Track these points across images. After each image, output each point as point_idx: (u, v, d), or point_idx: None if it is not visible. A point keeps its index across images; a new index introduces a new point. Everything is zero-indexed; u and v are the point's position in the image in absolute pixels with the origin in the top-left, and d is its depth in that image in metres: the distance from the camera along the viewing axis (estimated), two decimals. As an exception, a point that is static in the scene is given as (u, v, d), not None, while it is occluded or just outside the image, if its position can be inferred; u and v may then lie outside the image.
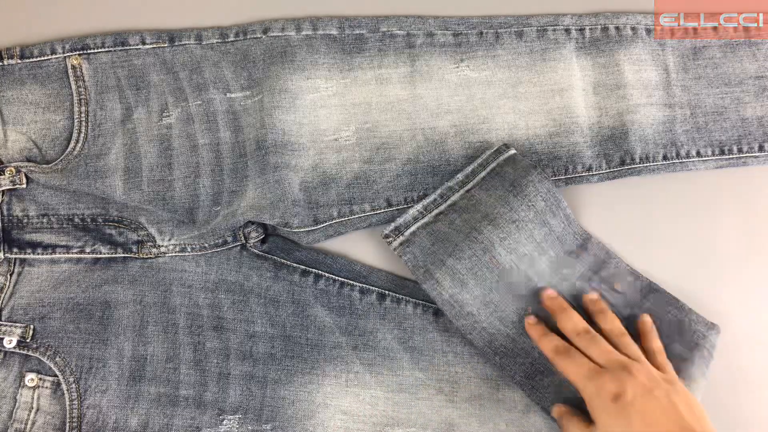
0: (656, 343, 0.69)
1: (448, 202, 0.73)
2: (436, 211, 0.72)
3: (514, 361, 0.71)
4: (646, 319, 0.71)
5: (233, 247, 0.76)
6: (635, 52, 0.78)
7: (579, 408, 0.67)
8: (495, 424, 0.72)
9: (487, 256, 0.70)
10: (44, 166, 0.74)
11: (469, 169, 0.74)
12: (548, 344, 0.67)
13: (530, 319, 0.70)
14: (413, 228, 0.72)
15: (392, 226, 0.72)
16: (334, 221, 0.75)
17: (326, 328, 0.74)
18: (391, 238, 0.72)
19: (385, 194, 0.75)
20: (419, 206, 0.72)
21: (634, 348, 0.66)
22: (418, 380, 0.73)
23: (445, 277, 0.70)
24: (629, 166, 0.76)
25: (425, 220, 0.72)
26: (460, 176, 0.74)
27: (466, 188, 0.73)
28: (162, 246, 0.75)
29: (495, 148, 0.74)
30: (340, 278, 0.76)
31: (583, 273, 0.74)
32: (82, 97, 0.75)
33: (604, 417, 0.59)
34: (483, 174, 0.73)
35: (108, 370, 0.72)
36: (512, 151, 0.74)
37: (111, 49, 0.76)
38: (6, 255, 0.74)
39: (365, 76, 0.76)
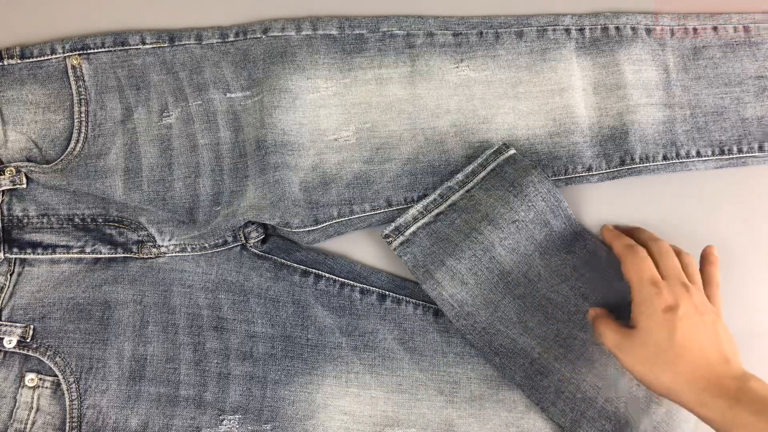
0: (715, 275, 0.70)
1: (448, 202, 0.73)
2: (436, 211, 0.72)
3: (513, 362, 0.71)
4: (712, 250, 0.72)
5: (233, 247, 0.76)
6: (635, 52, 0.78)
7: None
8: (495, 424, 0.72)
9: (487, 256, 0.70)
10: (44, 166, 0.74)
11: (469, 168, 0.74)
12: (621, 242, 0.68)
13: (609, 226, 0.73)
14: (413, 228, 0.72)
15: (392, 226, 0.72)
16: (334, 221, 0.75)
17: (326, 328, 0.74)
18: (391, 238, 0.72)
19: (385, 194, 0.75)
20: (419, 206, 0.72)
21: (697, 275, 0.68)
22: (418, 381, 0.73)
23: (444, 278, 0.70)
24: (629, 166, 0.76)
25: (425, 220, 0.72)
26: (460, 176, 0.73)
27: (466, 188, 0.73)
28: (162, 246, 0.75)
29: (495, 148, 0.74)
30: (340, 279, 0.76)
31: (584, 273, 0.74)
32: (82, 97, 0.75)
33: (649, 323, 0.61)
34: (483, 174, 0.73)
35: (108, 370, 0.72)
36: (512, 151, 0.73)
37: (111, 49, 0.76)
38: (6, 255, 0.74)
39: (365, 76, 0.76)
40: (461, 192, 0.73)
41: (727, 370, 0.59)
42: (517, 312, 0.71)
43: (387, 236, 0.72)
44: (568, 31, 0.78)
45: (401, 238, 0.72)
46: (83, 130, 0.75)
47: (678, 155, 0.77)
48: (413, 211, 0.72)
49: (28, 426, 0.71)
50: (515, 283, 0.71)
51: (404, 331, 0.75)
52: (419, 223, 0.72)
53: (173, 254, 0.75)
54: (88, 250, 0.75)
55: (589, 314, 0.68)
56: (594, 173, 0.76)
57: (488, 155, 0.74)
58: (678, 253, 0.69)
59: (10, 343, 0.72)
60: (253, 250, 0.76)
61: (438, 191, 0.73)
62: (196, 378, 0.73)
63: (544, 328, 0.71)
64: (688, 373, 0.59)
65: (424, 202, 0.73)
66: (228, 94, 0.76)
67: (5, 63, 0.75)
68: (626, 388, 0.71)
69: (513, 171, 0.72)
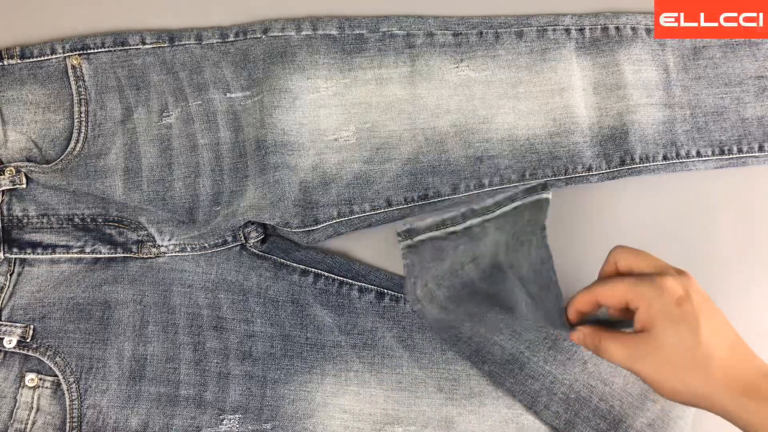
0: None
1: (465, 224, 0.65)
2: (451, 229, 0.67)
3: (503, 368, 0.71)
4: None
5: (233, 247, 0.76)
6: (635, 52, 0.78)
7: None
8: (494, 421, 0.72)
9: (467, 290, 0.66)
10: (44, 166, 0.74)
11: (499, 197, 0.65)
12: (581, 295, 0.57)
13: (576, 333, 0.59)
14: (424, 237, 0.67)
15: (408, 225, 0.67)
16: (334, 221, 0.75)
17: (325, 327, 0.74)
18: (401, 237, 0.67)
19: (385, 194, 0.75)
20: (438, 218, 0.66)
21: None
22: (418, 378, 0.73)
23: (426, 297, 0.68)
24: (629, 166, 0.76)
25: (438, 233, 0.67)
26: (489, 201, 0.65)
27: (486, 217, 0.65)
28: (162, 246, 0.75)
29: (531, 185, 0.64)
30: (339, 277, 0.76)
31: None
32: (82, 97, 0.75)
33: (665, 324, 0.51)
34: (506, 209, 0.65)
35: (108, 370, 0.72)
36: (545, 195, 0.63)
37: (111, 49, 0.76)
38: (6, 255, 0.74)
39: (365, 76, 0.76)
40: (480, 219, 0.65)
41: (761, 367, 0.53)
42: (504, 320, 0.71)
43: (399, 234, 0.67)
44: (568, 31, 0.78)
45: (409, 242, 0.68)
46: (83, 130, 0.75)
47: (678, 155, 0.77)
48: (430, 221, 0.66)
49: (29, 426, 0.71)
50: (501, 300, 0.69)
51: (403, 329, 0.75)
52: (431, 234, 0.67)
53: (173, 254, 0.76)
54: (88, 250, 0.75)
55: (574, 336, 0.58)
56: (594, 173, 0.76)
57: (521, 191, 0.64)
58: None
59: (10, 343, 0.72)
60: (252, 249, 0.76)
61: (462, 209, 0.65)
62: (196, 378, 0.73)
63: (533, 332, 0.71)
64: (723, 375, 0.51)
65: (445, 215, 0.66)
66: (228, 94, 0.76)
67: (5, 63, 0.75)
68: (621, 385, 0.71)
69: (527, 221, 0.64)
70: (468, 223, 0.66)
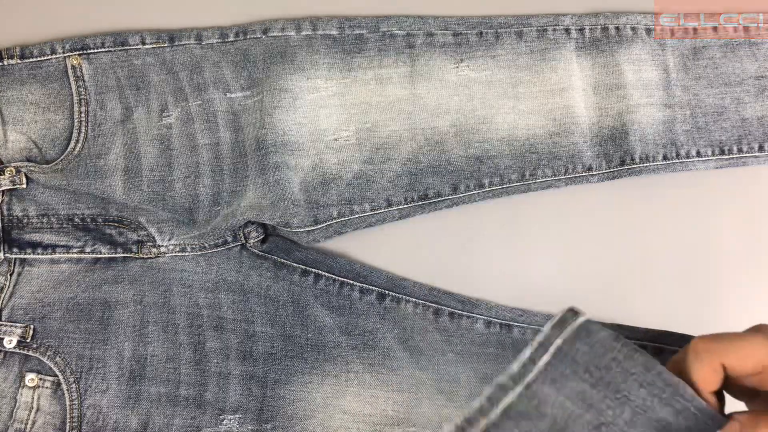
0: None
1: (501, 406, 0.46)
2: (483, 424, 0.46)
3: None
4: None
5: (233, 247, 0.76)
6: (635, 52, 0.78)
7: None
8: (495, 423, 0.72)
9: None
10: (44, 166, 0.74)
11: (527, 354, 0.47)
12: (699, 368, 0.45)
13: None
14: None
15: None
16: (334, 221, 0.75)
17: (326, 327, 0.74)
18: None
19: (385, 194, 0.75)
20: (460, 420, 0.46)
21: None
22: (418, 380, 0.73)
23: None
24: (629, 166, 0.76)
25: None
26: (515, 367, 0.47)
27: (524, 383, 0.47)
28: (162, 246, 0.75)
29: (558, 317, 0.48)
30: (339, 278, 0.76)
31: None
32: (82, 97, 0.75)
33: None
34: (546, 359, 0.47)
35: (108, 370, 0.72)
36: (582, 319, 0.48)
37: (111, 49, 0.76)
38: (6, 255, 0.74)
39: (365, 76, 0.76)
40: (519, 389, 0.47)
41: None
42: None
43: None
44: (568, 31, 0.78)
45: None
46: (83, 130, 0.75)
47: (678, 155, 0.77)
48: (450, 429, 0.47)
49: (29, 426, 0.71)
50: None
51: (404, 330, 0.75)
52: None
53: (173, 254, 0.76)
54: (88, 250, 0.75)
55: (730, 430, 0.44)
56: (594, 173, 0.76)
57: (550, 330, 0.48)
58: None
59: (11, 343, 0.72)
60: (252, 249, 0.76)
61: (486, 393, 0.47)
62: (196, 378, 0.73)
63: None
64: None
65: (468, 412, 0.46)
66: (228, 94, 0.76)
67: (5, 63, 0.75)
68: None
69: (588, 349, 0.47)
70: (504, 403, 0.47)
